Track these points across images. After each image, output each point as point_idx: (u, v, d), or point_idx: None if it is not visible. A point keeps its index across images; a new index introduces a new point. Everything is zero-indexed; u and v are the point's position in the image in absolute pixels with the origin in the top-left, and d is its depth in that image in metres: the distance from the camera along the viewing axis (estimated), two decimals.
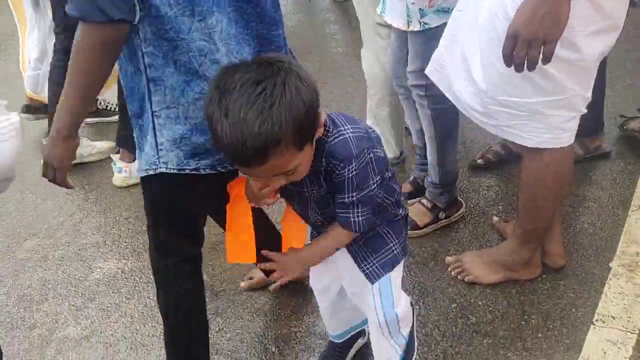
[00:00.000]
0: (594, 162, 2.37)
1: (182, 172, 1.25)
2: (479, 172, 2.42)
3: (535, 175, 1.65)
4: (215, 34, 1.16)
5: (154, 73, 1.17)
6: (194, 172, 1.26)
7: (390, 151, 2.42)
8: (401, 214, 1.34)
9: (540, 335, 1.70)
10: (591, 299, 1.78)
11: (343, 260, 1.35)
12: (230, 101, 0.96)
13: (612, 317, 1.71)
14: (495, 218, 2.12)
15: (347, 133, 1.11)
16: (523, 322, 1.75)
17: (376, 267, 1.32)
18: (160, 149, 1.24)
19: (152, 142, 1.24)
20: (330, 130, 1.12)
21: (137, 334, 1.87)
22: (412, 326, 1.49)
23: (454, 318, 1.79)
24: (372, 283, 1.33)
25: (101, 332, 1.90)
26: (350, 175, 1.12)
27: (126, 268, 2.16)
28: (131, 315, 1.95)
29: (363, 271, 1.33)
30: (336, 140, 1.10)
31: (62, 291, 2.09)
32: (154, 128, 1.22)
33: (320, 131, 1.09)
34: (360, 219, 1.19)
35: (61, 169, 1.25)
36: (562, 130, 1.56)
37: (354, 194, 1.15)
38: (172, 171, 1.25)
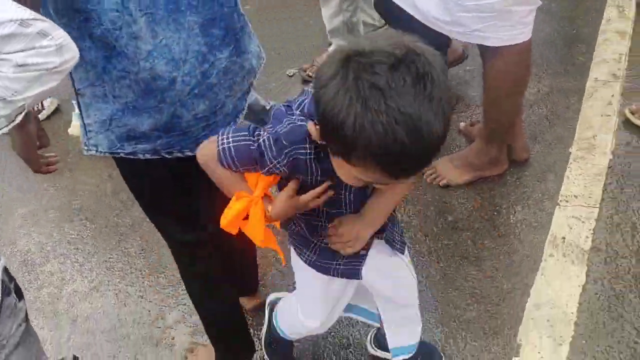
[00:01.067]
0: (546, 53, 2.49)
1: (116, 155, 1.15)
2: None
3: (500, 75, 1.75)
4: (130, 3, 0.98)
5: None
6: (130, 156, 1.15)
7: None
8: None
9: (511, 221, 1.87)
10: (555, 183, 1.94)
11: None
12: (394, 100, 0.75)
13: (574, 196, 1.88)
14: (462, 124, 2.24)
15: None
16: (495, 213, 1.91)
17: (400, 236, 1.26)
18: (89, 130, 1.13)
19: (81, 123, 1.14)
20: None
21: (144, 280, 1.98)
22: None
23: (434, 219, 1.94)
24: (403, 253, 1.27)
25: (109, 282, 2.01)
26: None
27: (122, 221, 2.24)
28: (138, 267, 2.05)
29: (394, 247, 1.23)
30: None
31: (62, 251, 2.17)
32: (80, 108, 1.12)
33: None
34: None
35: (29, 160, 1.14)
36: (524, 24, 1.65)
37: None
38: (104, 154, 1.15)
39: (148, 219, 1.39)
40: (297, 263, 1.26)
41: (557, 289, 1.64)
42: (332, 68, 0.78)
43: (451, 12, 1.61)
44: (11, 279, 1.03)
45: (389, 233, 1.21)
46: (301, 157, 0.95)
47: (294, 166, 0.97)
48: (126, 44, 1.01)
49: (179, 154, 1.15)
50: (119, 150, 1.13)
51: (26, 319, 1.05)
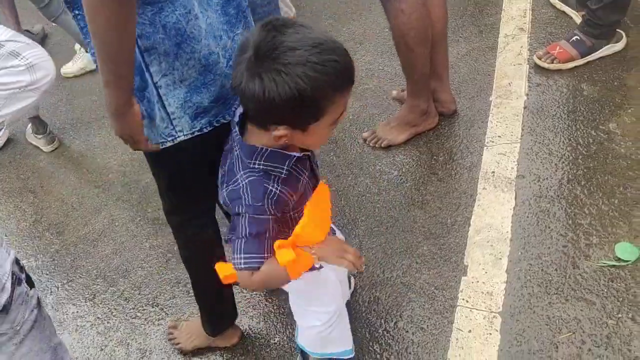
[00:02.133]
0: (461, 20, 2.75)
1: (193, 135, 1.22)
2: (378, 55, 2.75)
3: (405, 26, 1.93)
4: None
5: (145, 42, 1.09)
6: (198, 133, 1.22)
7: None
8: None
9: (448, 166, 2.09)
10: (481, 128, 2.18)
11: None
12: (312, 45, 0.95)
13: (498, 136, 2.12)
14: (394, 91, 2.46)
15: None
16: (434, 162, 2.13)
17: None
18: (174, 119, 1.19)
19: (163, 114, 1.19)
20: None
21: (142, 235, 2.11)
22: None
23: (378, 177, 2.14)
24: None
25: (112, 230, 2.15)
26: None
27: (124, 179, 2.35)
28: (137, 222, 2.18)
29: None
30: None
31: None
32: (160, 99, 1.17)
33: None
34: None
35: (136, 143, 1.20)
36: None
37: None
38: (187, 137, 1.22)
39: None
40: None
41: (492, 215, 1.87)
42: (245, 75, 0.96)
43: None
44: (22, 269, 1.09)
45: None
46: (280, 195, 1.08)
47: (279, 203, 1.09)
48: (193, 25, 1.09)
49: (224, 121, 1.24)
50: (194, 130, 1.21)
51: (38, 304, 1.11)
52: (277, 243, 1.11)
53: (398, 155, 2.20)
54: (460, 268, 1.77)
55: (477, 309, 1.65)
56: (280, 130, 1.02)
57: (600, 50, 2.26)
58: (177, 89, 1.16)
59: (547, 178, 1.93)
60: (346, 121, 2.41)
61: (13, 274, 1.04)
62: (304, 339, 1.48)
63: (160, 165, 1.35)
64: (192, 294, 1.67)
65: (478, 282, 1.71)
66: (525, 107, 2.19)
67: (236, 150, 1.11)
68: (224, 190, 1.12)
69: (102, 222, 2.30)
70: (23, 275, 1.08)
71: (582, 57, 2.26)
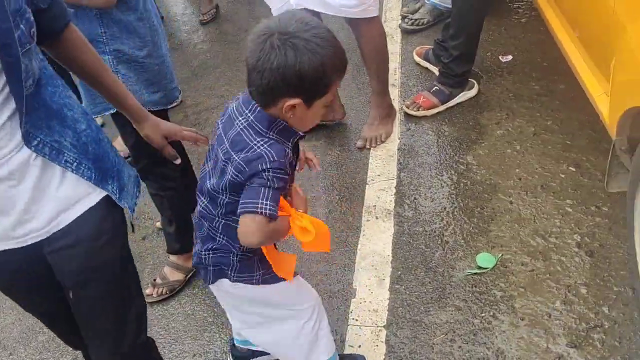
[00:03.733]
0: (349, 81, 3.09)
1: None
2: None
3: (376, 41, 2.38)
4: None
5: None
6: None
7: None
8: None
9: (336, 203, 2.33)
10: (363, 168, 2.45)
11: None
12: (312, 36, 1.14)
13: (378, 175, 2.40)
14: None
15: None
16: (324, 200, 2.36)
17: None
18: None
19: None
20: None
21: None
22: None
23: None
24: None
25: None
26: None
27: None
28: None
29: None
30: None
31: None
32: None
33: None
34: None
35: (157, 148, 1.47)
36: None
37: None
38: None
39: None
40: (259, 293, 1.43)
41: (375, 242, 2.11)
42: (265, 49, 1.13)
43: None
44: None
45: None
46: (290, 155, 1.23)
47: (291, 168, 1.27)
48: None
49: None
50: None
51: None
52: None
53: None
54: (349, 291, 1.96)
55: (365, 326, 1.84)
56: (295, 99, 1.16)
57: (457, 97, 2.64)
58: None
59: (419, 206, 2.21)
60: None
61: None
62: (293, 354, 1.56)
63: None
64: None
65: (365, 301, 1.91)
66: (398, 149, 2.50)
67: (242, 123, 1.23)
68: (235, 156, 1.21)
69: None
70: None
71: (442, 104, 2.63)
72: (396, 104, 2.77)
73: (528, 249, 1.93)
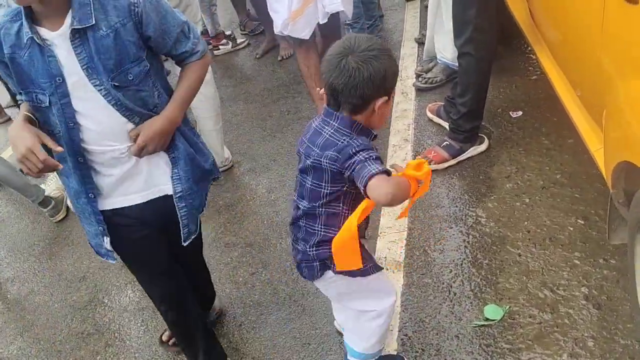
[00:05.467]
0: None
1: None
2: None
3: None
4: None
5: None
6: None
7: None
8: None
9: None
10: (374, 221, 2.51)
11: None
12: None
13: (389, 227, 2.46)
14: None
15: None
16: None
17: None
18: None
19: None
20: None
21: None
22: None
23: (289, 269, 2.40)
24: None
25: None
26: None
27: None
28: None
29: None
30: None
31: None
32: None
33: None
34: None
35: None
36: None
37: None
38: None
39: None
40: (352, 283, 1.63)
41: None
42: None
43: None
44: None
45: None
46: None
47: None
48: None
49: None
50: None
51: None
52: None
53: None
54: None
55: None
56: (384, 97, 1.44)
57: (468, 151, 2.71)
58: None
59: (428, 258, 2.25)
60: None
61: None
62: (364, 342, 1.74)
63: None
64: None
65: None
66: (409, 203, 2.56)
67: (329, 131, 1.47)
68: (329, 152, 1.44)
69: None
70: None
71: (453, 158, 2.70)
72: (409, 158, 2.86)
73: (536, 301, 1.94)
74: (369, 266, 1.61)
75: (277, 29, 3.10)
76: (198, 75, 1.71)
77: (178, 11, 1.66)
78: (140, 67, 1.56)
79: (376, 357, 1.80)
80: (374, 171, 1.35)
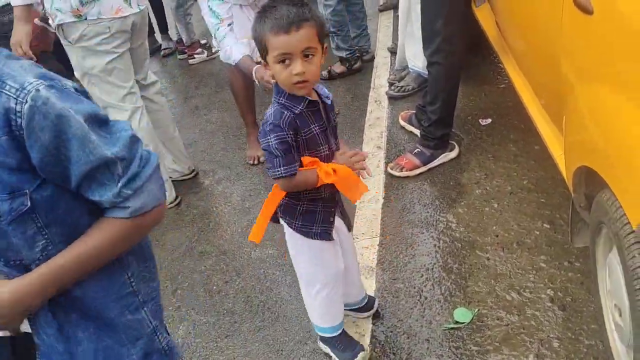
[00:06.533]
0: None
1: None
2: None
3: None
4: None
5: None
6: None
7: None
8: None
9: None
10: None
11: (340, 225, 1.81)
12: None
13: (362, 233, 2.49)
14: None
15: None
16: None
17: (348, 220, 1.87)
18: None
19: None
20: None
21: None
22: None
23: (262, 277, 2.41)
24: (349, 231, 1.87)
25: None
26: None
27: None
28: None
29: (346, 223, 1.84)
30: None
31: None
32: None
33: (324, 57, 1.52)
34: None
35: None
36: None
37: None
38: None
39: None
40: (291, 237, 1.73)
41: None
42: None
43: None
44: None
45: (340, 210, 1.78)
46: (290, 117, 1.51)
47: (293, 128, 1.51)
48: None
49: None
50: None
51: None
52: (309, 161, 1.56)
53: (282, 258, 2.50)
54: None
55: None
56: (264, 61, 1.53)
57: (438, 158, 2.77)
58: None
59: (400, 263, 2.28)
60: None
61: None
62: (311, 312, 1.89)
63: None
64: None
65: None
66: (382, 209, 2.60)
67: None
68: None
69: None
70: None
71: (424, 165, 2.75)
72: (382, 166, 2.90)
73: (503, 304, 1.99)
74: (298, 225, 1.69)
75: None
76: (113, 239, 1.03)
77: (111, 141, 1.01)
78: (13, 205, 0.96)
79: (329, 334, 1.90)
80: (280, 175, 1.53)
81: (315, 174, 1.56)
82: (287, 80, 1.47)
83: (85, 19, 2.55)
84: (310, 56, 1.46)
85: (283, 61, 1.45)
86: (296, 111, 1.52)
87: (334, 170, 1.56)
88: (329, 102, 1.62)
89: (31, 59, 2.43)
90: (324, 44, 1.50)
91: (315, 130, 1.57)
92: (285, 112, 1.51)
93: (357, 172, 1.66)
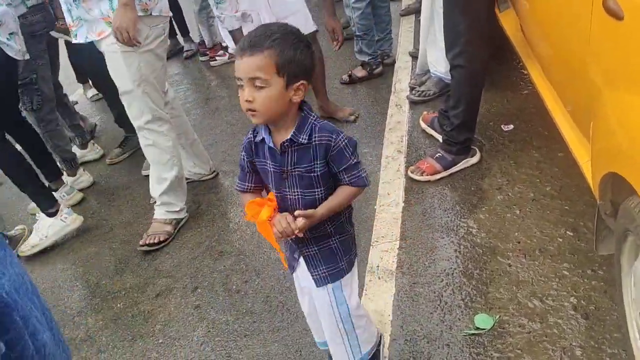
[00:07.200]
0: None
1: None
2: None
3: None
4: None
5: None
6: None
7: None
8: (351, 232, 1.61)
9: None
10: (368, 230, 2.54)
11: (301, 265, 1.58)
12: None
13: (382, 236, 2.48)
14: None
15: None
16: None
17: (324, 275, 1.56)
18: None
19: None
20: (312, 113, 1.43)
21: None
22: (374, 349, 1.73)
23: (282, 277, 2.43)
24: (317, 286, 1.57)
25: None
26: (344, 142, 1.41)
27: None
28: None
29: (312, 276, 1.56)
30: (322, 122, 1.43)
31: None
32: None
33: (299, 94, 1.37)
34: (365, 174, 1.47)
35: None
36: None
37: (353, 156, 1.43)
38: None
39: None
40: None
41: (376, 302, 2.16)
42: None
43: None
44: None
45: (313, 257, 1.55)
46: (248, 140, 1.49)
47: (247, 152, 1.51)
48: None
49: None
50: None
51: None
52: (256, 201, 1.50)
53: None
54: None
55: None
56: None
57: (460, 163, 2.75)
58: None
59: (420, 268, 2.27)
60: None
61: None
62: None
63: None
64: None
65: None
66: (402, 213, 2.59)
67: None
68: None
69: None
70: None
71: (445, 170, 2.74)
72: (402, 170, 2.89)
73: (525, 311, 1.97)
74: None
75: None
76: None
77: None
78: None
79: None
80: (235, 187, 1.62)
81: (247, 207, 1.48)
82: (241, 104, 1.39)
83: (150, 14, 2.58)
84: (259, 87, 1.33)
85: (241, 84, 1.37)
86: (256, 139, 1.47)
87: (269, 219, 1.44)
88: (311, 143, 1.41)
89: (134, 45, 2.51)
90: (294, 77, 1.35)
91: (270, 167, 1.47)
92: (250, 135, 1.49)
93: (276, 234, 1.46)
